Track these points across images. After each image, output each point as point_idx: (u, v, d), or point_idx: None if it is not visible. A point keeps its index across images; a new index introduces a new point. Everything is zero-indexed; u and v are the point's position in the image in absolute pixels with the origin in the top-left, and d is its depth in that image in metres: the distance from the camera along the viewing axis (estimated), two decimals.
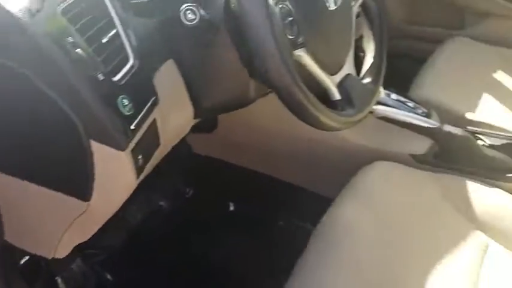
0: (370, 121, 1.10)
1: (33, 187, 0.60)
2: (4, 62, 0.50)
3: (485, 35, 1.60)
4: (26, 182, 0.60)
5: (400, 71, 1.31)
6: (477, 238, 0.93)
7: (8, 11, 0.49)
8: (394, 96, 1.11)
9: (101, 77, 0.55)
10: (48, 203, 0.63)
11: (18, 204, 0.64)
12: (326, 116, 0.67)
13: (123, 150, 0.56)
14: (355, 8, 0.85)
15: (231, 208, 1.39)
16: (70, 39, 0.53)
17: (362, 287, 0.81)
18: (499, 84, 1.39)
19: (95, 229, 0.69)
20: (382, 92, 1.09)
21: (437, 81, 1.37)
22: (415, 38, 1.74)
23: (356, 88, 0.76)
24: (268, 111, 1.04)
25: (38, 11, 0.51)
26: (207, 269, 1.22)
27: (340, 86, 0.74)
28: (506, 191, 0.99)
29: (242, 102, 0.80)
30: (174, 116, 0.70)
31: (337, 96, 0.73)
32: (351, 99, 0.74)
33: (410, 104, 1.12)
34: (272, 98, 0.86)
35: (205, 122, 0.91)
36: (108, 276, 1.17)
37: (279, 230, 1.32)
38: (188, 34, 0.66)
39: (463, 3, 1.68)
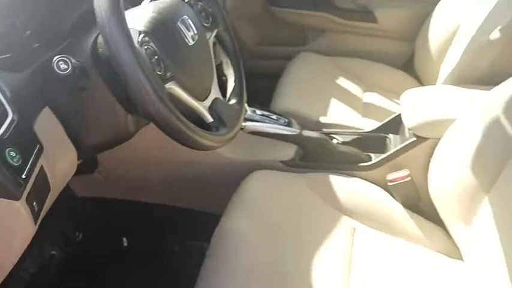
0: (242, 137, 1.21)
1: None
2: None
3: (325, 48, 1.86)
4: None
5: (261, 88, 1.46)
6: (345, 223, 1.08)
7: None
8: (258, 112, 1.25)
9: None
10: None
11: None
12: (203, 138, 0.75)
13: (18, 199, 0.58)
14: (211, 40, 0.96)
15: (125, 244, 1.39)
16: None
17: (258, 286, 0.90)
18: (341, 89, 1.63)
19: None
20: (248, 110, 1.22)
21: (292, 93, 1.55)
22: (268, 57, 1.93)
23: (225, 109, 0.86)
24: (144, 142, 1.09)
25: None
26: None
27: (211, 109, 0.83)
28: (361, 178, 1.17)
29: (123, 137, 0.84)
30: (59, 160, 0.72)
31: (209, 119, 0.82)
32: (222, 119, 0.83)
33: (274, 117, 1.26)
34: (147, 129, 0.93)
35: (85, 163, 0.93)
36: None
37: (176, 255, 1.36)
38: (62, 82, 0.69)
39: (303, 22, 1.92)
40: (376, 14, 1.81)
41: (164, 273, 1.30)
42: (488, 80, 1.09)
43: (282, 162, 1.21)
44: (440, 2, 1.58)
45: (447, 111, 1.08)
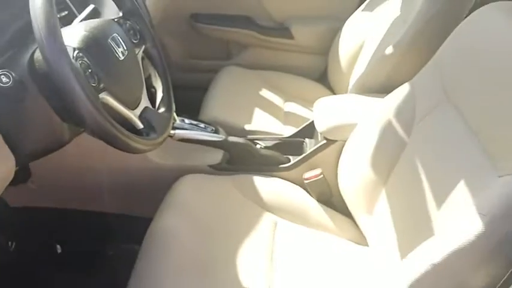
0: (172, 144, 1.30)
1: None
2: None
3: (248, 62, 2.00)
4: None
5: (189, 100, 1.55)
6: (268, 218, 1.21)
7: None
8: (187, 121, 1.35)
9: None
10: None
11: None
12: (134, 141, 0.84)
13: None
14: (140, 54, 1.05)
15: (59, 251, 1.41)
16: None
17: (190, 281, 0.99)
18: (264, 99, 1.76)
19: None
20: (177, 119, 1.31)
21: (219, 103, 1.66)
22: (196, 71, 2.03)
23: (154, 117, 0.95)
24: (76, 150, 1.14)
25: None
26: None
27: (141, 117, 0.92)
28: (281, 177, 1.31)
29: (58, 144, 0.91)
30: None
31: (140, 125, 0.90)
32: (152, 126, 0.92)
33: (202, 125, 1.37)
34: (78, 138, 0.99)
35: (19, 173, 0.98)
36: None
37: (110, 259, 1.41)
38: (3, 94, 0.75)
39: (226, 38, 2.05)
40: (292, 31, 1.97)
41: (99, 276, 1.34)
42: (387, 89, 1.24)
43: (210, 166, 1.32)
44: (348, 19, 1.77)
45: (351, 117, 1.24)
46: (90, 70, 0.81)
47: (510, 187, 0.69)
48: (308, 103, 1.74)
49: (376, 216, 1.10)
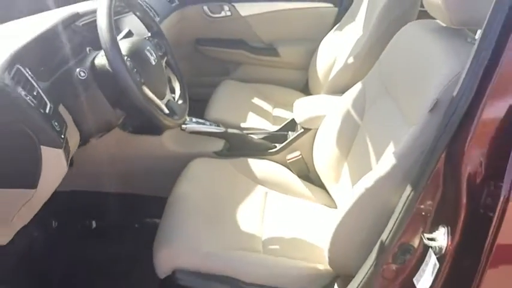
0: (184, 135, 1.67)
1: None
2: None
3: (243, 77, 2.39)
4: None
5: (195, 110, 1.88)
6: (260, 190, 1.56)
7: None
8: (195, 119, 1.72)
9: (42, 111, 0.99)
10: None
11: None
12: (165, 119, 1.21)
13: (60, 148, 1.00)
14: (163, 63, 1.43)
15: (94, 226, 1.76)
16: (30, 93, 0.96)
17: (204, 225, 1.33)
18: (256, 106, 2.13)
19: (34, 213, 1.06)
20: (187, 118, 1.69)
21: (219, 108, 2.02)
22: (199, 85, 2.40)
23: (175, 106, 1.32)
24: (106, 142, 1.48)
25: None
26: (98, 268, 1.57)
27: (166, 105, 1.29)
28: (270, 160, 1.67)
29: (108, 126, 1.27)
30: (71, 138, 1.13)
31: (166, 110, 1.27)
32: (174, 111, 1.30)
33: (207, 123, 1.74)
34: (111, 133, 1.34)
35: None
36: None
37: (136, 230, 1.76)
38: (79, 84, 1.13)
39: (224, 58, 2.45)
40: (278, 50, 2.38)
41: (128, 244, 1.67)
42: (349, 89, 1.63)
43: (214, 152, 1.68)
44: (323, 40, 2.17)
45: (322, 110, 1.62)
46: (135, 69, 1.19)
47: (412, 132, 1.03)
48: (292, 108, 2.11)
49: (341, 184, 1.45)
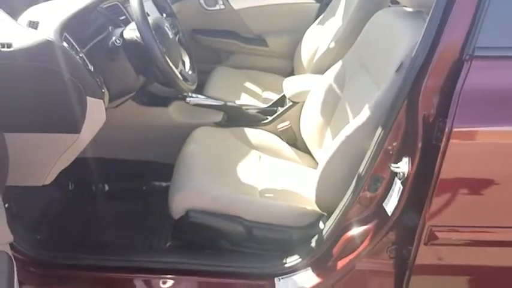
0: (188, 108, 1.92)
1: (39, 136, 1.16)
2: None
3: (235, 64, 2.65)
4: (36, 134, 1.16)
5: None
6: (255, 154, 1.80)
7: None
8: (195, 95, 1.96)
9: (90, 68, 1.23)
10: (47, 144, 1.19)
11: (25, 152, 1.16)
12: (181, 83, 1.46)
13: (102, 99, 1.23)
14: (176, 38, 1.67)
15: (106, 188, 1.97)
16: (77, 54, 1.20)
17: (209, 176, 1.55)
18: (247, 89, 2.38)
19: (76, 155, 1.29)
20: (190, 93, 1.93)
21: (215, 88, 2.27)
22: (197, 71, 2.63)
23: (187, 74, 1.57)
24: (120, 113, 1.68)
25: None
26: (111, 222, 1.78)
27: (180, 73, 1.54)
28: (263, 129, 1.92)
29: (133, 89, 1.51)
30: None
31: (180, 77, 1.52)
32: (186, 78, 1.54)
33: (208, 99, 1.98)
34: (127, 104, 1.55)
35: None
36: None
37: (145, 192, 1.97)
38: (115, 50, 1.36)
39: (217, 46, 2.70)
40: (267, 41, 2.65)
41: (138, 205, 1.89)
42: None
43: (214, 123, 1.93)
44: (307, 32, 2.45)
45: (308, 85, 1.88)
46: (158, 41, 1.43)
47: (382, 89, 1.29)
48: (280, 93, 2.36)
49: (324, 148, 1.72)
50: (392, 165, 1.18)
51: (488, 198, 1.16)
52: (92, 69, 1.27)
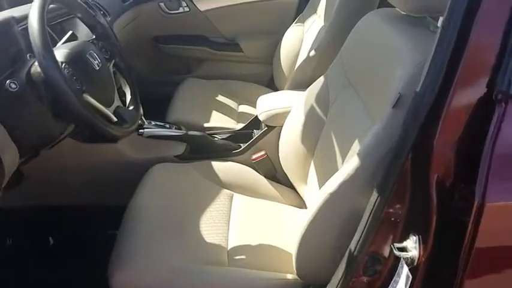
0: (142, 141, 1.58)
1: None
2: None
3: (206, 74, 2.30)
4: None
5: (157, 110, 1.80)
6: (225, 193, 1.47)
7: None
8: (153, 122, 1.62)
9: None
10: None
11: None
12: (111, 129, 1.11)
13: None
14: (111, 67, 1.32)
15: (51, 242, 1.65)
16: None
17: (163, 238, 1.24)
18: (221, 103, 2.06)
19: None
20: (145, 122, 1.59)
21: (182, 108, 1.94)
22: (161, 84, 2.29)
23: (125, 112, 1.23)
24: (61, 151, 1.37)
25: None
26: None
27: (115, 112, 1.19)
28: (234, 161, 1.59)
29: (50, 139, 1.17)
30: (6, 154, 1.02)
31: (114, 119, 1.17)
32: (124, 118, 1.20)
33: (167, 125, 1.64)
34: (62, 143, 1.23)
35: (13, 177, 1.15)
36: None
37: (94, 244, 1.65)
38: (10, 98, 1.01)
39: (186, 55, 2.35)
40: (241, 45, 2.30)
41: (86, 259, 1.57)
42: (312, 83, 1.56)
43: (175, 156, 1.59)
44: (286, 33, 2.10)
45: (285, 106, 1.54)
46: (74, 77, 1.08)
47: (375, 131, 0.97)
48: None
49: (309, 183, 1.38)
50: (396, 245, 0.84)
51: None
52: None
